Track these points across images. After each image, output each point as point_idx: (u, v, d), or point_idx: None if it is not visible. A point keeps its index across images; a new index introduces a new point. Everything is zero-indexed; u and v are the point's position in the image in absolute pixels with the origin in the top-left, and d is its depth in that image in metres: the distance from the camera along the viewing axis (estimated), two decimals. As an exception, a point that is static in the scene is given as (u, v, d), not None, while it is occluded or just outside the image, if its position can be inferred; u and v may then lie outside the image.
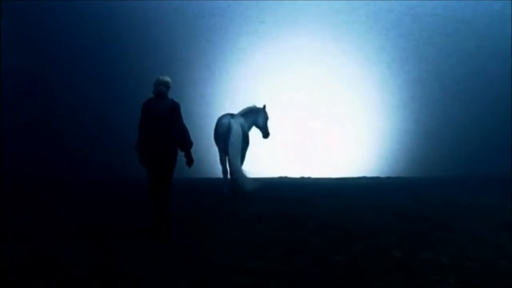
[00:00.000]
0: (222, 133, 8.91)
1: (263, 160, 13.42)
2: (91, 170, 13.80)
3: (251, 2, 15.23)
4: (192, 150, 5.83)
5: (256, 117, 9.92)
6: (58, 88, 14.67)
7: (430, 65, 15.46)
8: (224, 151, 8.95)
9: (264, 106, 9.99)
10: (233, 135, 8.77)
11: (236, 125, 8.93)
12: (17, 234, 5.45)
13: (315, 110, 13.21)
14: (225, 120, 9.02)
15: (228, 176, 8.95)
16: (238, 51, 15.34)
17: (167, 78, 5.68)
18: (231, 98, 14.41)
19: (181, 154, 5.80)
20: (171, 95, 5.87)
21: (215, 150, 9.56)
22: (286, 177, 13.15)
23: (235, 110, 9.89)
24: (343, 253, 4.63)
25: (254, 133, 10.32)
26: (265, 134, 10.01)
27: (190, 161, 5.78)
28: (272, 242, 5.12)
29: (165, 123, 5.47)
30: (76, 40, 14.82)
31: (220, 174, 9.24)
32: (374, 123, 15.37)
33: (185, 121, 5.83)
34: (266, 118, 10.01)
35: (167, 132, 5.48)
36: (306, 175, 13.59)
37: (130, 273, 3.98)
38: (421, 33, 15.43)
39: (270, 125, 9.98)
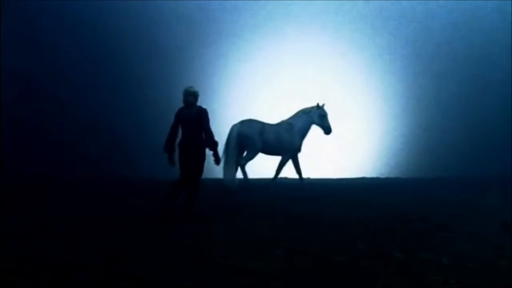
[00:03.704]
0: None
1: (263, 161, 13.41)
2: (91, 169, 13.81)
3: (251, 3, 15.24)
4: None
5: (310, 117, 10.53)
6: (58, 88, 14.68)
7: (429, 66, 15.45)
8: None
9: (317, 105, 10.46)
10: (228, 138, 10.01)
11: (231, 132, 10.06)
12: (16, 234, 5.44)
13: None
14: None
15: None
16: (237, 51, 15.36)
17: (195, 89, 6.55)
18: (230, 99, 14.41)
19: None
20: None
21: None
22: (286, 178, 13.13)
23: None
24: (344, 253, 4.63)
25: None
26: (325, 131, 10.58)
27: (217, 159, 6.63)
28: (272, 242, 5.11)
29: (194, 128, 6.39)
30: (76, 40, 14.84)
31: (220, 175, 9.94)
32: (373, 124, 15.40)
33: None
34: (320, 115, 10.50)
35: (196, 136, 6.40)
36: (305, 175, 13.59)
37: (130, 273, 3.97)
38: (420, 34, 15.41)
39: (331, 122, 10.59)
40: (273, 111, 11.91)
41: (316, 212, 7.26)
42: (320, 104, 10.51)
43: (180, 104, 6.62)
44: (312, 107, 10.55)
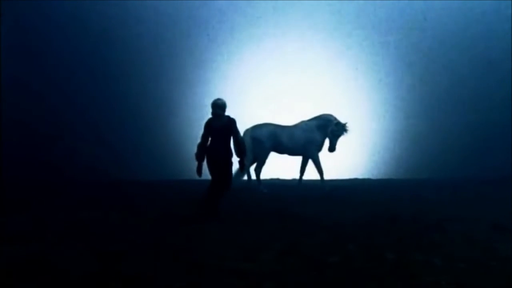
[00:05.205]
0: None
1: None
2: (84, 172, 13.77)
3: (245, 3, 15.23)
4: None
5: (325, 126, 10.69)
6: (57, 91, 14.66)
7: (421, 68, 15.46)
8: None
9: (338, 121, 10.56)
10: None
11: (244, 136, 9.88)
12: (11, 236, 5.41)
13: (305, 112, 13.24)
14: None
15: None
16: (230, 53, 15.35)
17: (223, 102, 6.96)
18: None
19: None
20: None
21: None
22: (278, 179, 13.16)
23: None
24: (337, 254, 4.65)
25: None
26: (330, 147, 10.70)
27: (242, 167, 7.06)
28: (265, 243, 5.13)
29: (222, 137, 6.86)
30: (71, 44, 14.78)
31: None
32: (365, 125, 15.42)
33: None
34: (332, 132, 10.57)
35: (224, 144, 6.88)
36: (297, 176, 13.62)
37: (124, 274, 3.97)
38: (415, 34, 15.36)
39: (340, 141, 10.74)
40: (264, 113, 11.93)
41: (309, 213, 7.29)
42: (346, 124, 10.57)
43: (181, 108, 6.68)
44: (336, 120, 10.65)
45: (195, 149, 6.97)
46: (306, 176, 13.11)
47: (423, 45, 15.37)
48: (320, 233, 5.72)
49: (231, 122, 6.89)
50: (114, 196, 9.52)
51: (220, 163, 6.84)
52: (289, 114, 11.47)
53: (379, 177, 14.71)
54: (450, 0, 15.00)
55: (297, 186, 10.72)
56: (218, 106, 6.90)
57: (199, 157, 6.87)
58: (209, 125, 6.92)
